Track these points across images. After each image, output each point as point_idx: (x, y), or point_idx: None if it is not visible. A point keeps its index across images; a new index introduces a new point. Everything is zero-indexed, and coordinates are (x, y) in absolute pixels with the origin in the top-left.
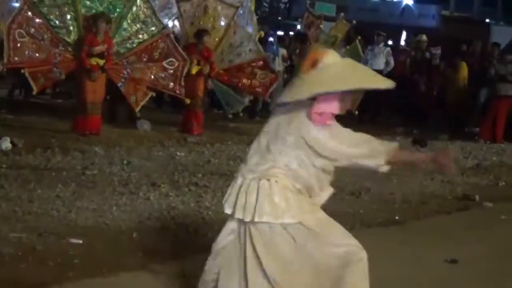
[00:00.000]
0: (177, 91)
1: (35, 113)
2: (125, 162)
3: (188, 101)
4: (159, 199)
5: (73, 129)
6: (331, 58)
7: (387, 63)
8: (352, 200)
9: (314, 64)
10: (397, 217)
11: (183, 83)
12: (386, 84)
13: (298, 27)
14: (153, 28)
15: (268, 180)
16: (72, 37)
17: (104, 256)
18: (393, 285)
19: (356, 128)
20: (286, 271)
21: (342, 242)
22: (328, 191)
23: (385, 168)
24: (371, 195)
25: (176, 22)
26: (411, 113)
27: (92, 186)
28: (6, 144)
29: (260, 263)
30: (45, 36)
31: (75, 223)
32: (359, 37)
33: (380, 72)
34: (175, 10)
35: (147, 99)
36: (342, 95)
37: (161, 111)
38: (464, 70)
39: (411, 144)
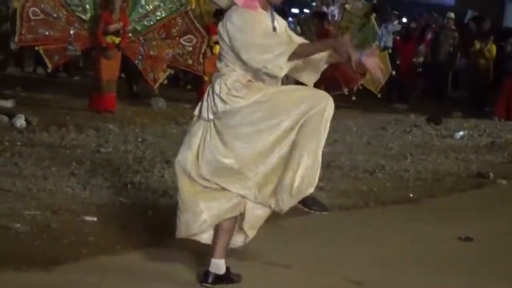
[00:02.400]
0: (195, 68)
1: (50, 91)
2: (139, 139)
3: (206, 78)
4: (173, 176)
5: (89, 107)
6: None
7: None
8: (366, 178)
9: None
10: (411, 195)
11: (201, 60)
12: None
13: (314, 4)
14: (171, 6)
15: (220, 79)
16: (89, 15)
17: (118, 234)
18: (407, 262)
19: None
20: (248, 147)
21: (302, 95)
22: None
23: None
24: (385, 172)
25: None
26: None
27: (107, 164)
28: (21, 121)
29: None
30: (60, 14)
31: (89, 201)
32: (374, 15)
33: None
34: None
35: (165, 76)
36: None
37: (176, 88)
38: (493, 50)
39: (425, 122)
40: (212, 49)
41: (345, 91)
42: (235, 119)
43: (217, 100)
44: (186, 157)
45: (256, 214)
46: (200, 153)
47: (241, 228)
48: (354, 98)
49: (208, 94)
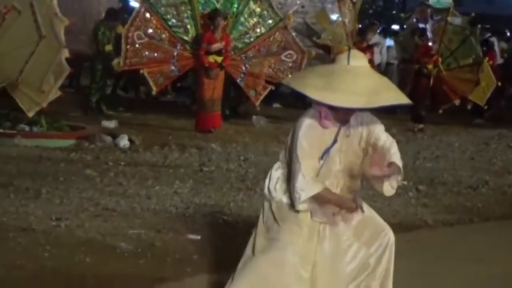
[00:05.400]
0: None
1: (152, 111)
2: (242, 158)
3: None
4: None
5: (195, 127)
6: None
7: None
8: (470, 194)
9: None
10: None
11: None
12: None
13: (414, 19)
14: (270, 21)
15: None
16: (190, 35)
17: (222, 252)
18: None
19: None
20: None
21: None
22: None
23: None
24: (489, 188)
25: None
26: None
27: (210, 182)
28: (124, 141)
29: None
30: (163, 36)
31: (193, 220)
32: (479, 26)
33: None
34: None
35: (266, 92)
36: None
37: (274, 107)
38: None
39: None
40: None
41: (457, 102)
42: None
43: None
44: None
45: None
46: None
47: None
48: (457, 102)
49: None
